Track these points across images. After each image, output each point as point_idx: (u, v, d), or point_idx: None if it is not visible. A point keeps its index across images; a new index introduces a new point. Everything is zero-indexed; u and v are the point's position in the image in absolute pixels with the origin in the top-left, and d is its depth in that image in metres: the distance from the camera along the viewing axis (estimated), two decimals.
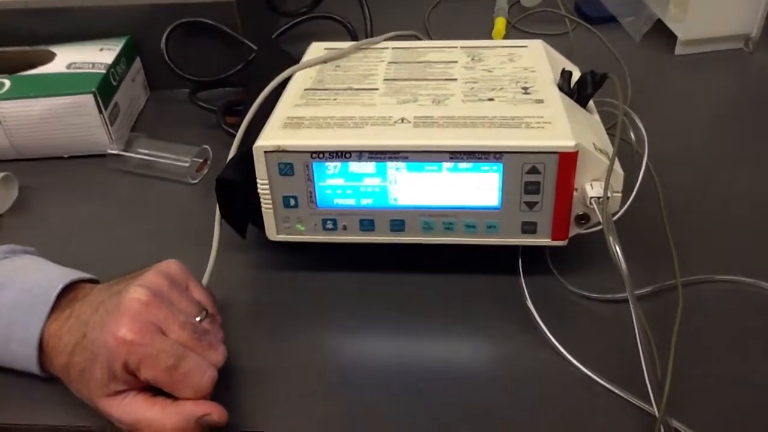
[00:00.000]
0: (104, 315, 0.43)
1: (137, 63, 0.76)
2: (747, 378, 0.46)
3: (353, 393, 0.46)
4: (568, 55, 0.62)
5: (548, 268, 0.53)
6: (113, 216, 0.63)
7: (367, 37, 0.78)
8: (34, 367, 0.45)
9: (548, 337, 0.48)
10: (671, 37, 0.81)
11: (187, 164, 0.64)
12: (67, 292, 0.46)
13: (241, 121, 0.56)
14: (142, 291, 0.43)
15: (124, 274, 0.47)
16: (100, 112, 0.66)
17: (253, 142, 0.49)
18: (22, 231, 0.61)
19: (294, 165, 0.48)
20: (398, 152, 0.47)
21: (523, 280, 0.52)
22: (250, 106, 0.55)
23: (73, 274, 0.48)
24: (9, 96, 0.65)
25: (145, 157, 0.66)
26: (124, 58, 0.72)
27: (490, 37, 0.85)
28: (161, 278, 0.45)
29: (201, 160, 0.66)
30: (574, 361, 0.47)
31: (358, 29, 0.79)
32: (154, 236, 0.60)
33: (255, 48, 0.73)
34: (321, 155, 0.48)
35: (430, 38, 0.85)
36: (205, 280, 0.52)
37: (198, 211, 0.61)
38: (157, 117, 0.76)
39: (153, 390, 0.43)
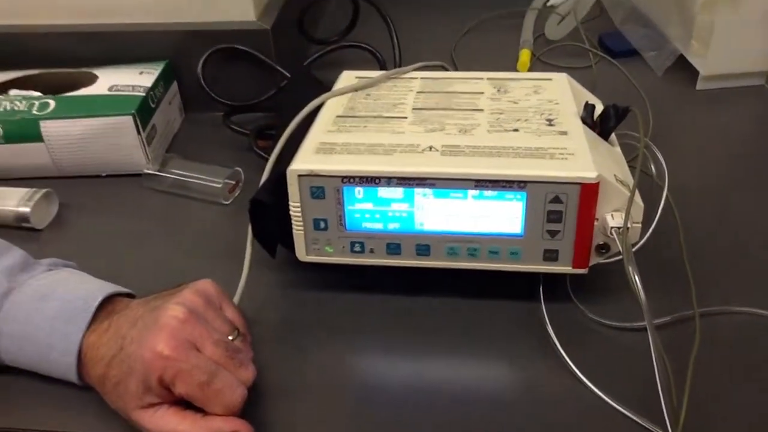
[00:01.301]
0: (142, 330, 0.44)
1: (174, 86, 0.79)
2: (762, 407, 0.46)
3: (376, 412, 0.48)
4: (591, 88, 0.64)
5: (568, 295, 0.55)
6: (147, 233, 0.65)
7: (396, 66, 0.81)
8: (72, 376, 0.47)
9: (567, 362, 0.49)
10: (693, 72, 0.82)
11: (220, 185, 0.67)
12: (106, 304, 0.48)
13: (273, 144, 0.58)
14: (180, 309, 0.44)
15: (158, 290, 0.49)
16: (139, 133, 0.69)
17: (286, 165, 0.51)
18: (61, 245, 0.64)
19: (325, 189, 0.50)
20: (426, 179, 0.49)
21: (543, 307, 0.53)
22: (282, 130, 0.57)
23: (111, 288, 0.50)
24: (53, 116, 0.68)
25: (180, 178, 0.68)
26: (162, 81, 0.75)
27: (515, 69, 0.87)
28: (198, 297, 0.46)
29: (233, 182, 0.68)
30: (592, 387, 0.48)
31: (386, 58, 0.81)
32: (186, 253, 0.62)
33: (288, 74, 0.75)
34: (351, 180, 0.50)
35: (457, 69, 0.87)
36: (236, 298, 0.53)
37: (229, 230, 0.63)
38: (191, 139, 0.79)
39: (183, 404, 0.44)
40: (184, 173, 0.68)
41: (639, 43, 0.89)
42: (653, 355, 0.43)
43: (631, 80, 0.80)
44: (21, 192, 0.65)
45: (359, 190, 0.50)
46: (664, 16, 0.86)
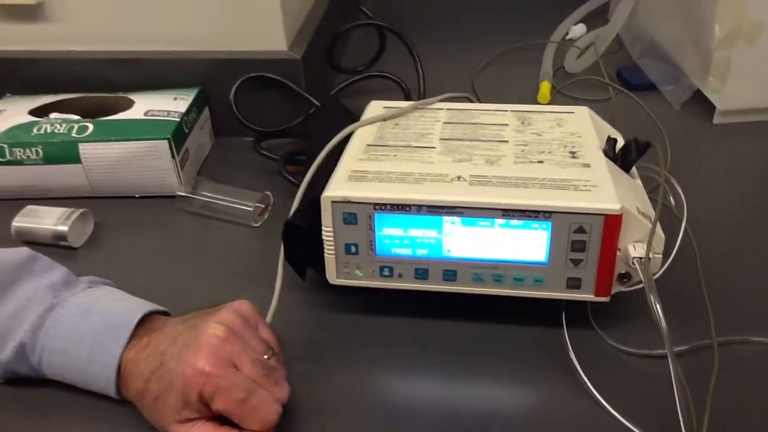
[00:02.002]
0: (182, 347, 0.46)
1: (206, 112, 0.81)
2: None
3: (400, 431, 0.49)
4: (611, 121, 0.65)
5: (590, 322, 0.56)
6: (179, 253, 0.67)
7: (420, 96, 0.83)
8: (111, 390, 0.49)
9: (589, 387, 0.50)
10: (710, 106, 0.83)
11: (250, 208, 0.69)
12: (144, 321, 0.50)
13: (301, 169, 0.60)
14: (220, 327, 0.46)
15: (190, 308, 0.50)
16: (173, 156, 0.71)
17: (318, 191, 0.53)
18: (96, 263, 0.66)
19: (357, 215, 0.52)
20: (454, 207, 0.51)
21: (566, 333, 0.54)
22: (311, 156, 0.59)
23: (150, 306, 0.52)
24: (91, 138, 0.71)
25: (211, 200, 0.70)
26: (195, 107, 0.78)
27: (536, 100, 0.89)
28: (235, 316, 0.48)
29: (263, 205, 0.70)
30: (614, 412, 0.49)
31: (410, 87, 0.83)
32: (216, 274, 0.64)
33: (316, 102, 0.77)
34: (383, 207, 0.52)
35: (479, 99, 0.89)
36: (268, 318, 0.55)
37: (258, 252, 0.65)
38: (221, 162, 0.81)
39: (220, 419, 0.46)
40: (216, 196, 0.70)
41: (657, 77, 0.90)
42: (674, 382, 0.44)
43: (650, 113, 0.81)
44: (59, 211, 0.68)
45: (390, 217, 0.52)
46: (682, 51, 0.88)
